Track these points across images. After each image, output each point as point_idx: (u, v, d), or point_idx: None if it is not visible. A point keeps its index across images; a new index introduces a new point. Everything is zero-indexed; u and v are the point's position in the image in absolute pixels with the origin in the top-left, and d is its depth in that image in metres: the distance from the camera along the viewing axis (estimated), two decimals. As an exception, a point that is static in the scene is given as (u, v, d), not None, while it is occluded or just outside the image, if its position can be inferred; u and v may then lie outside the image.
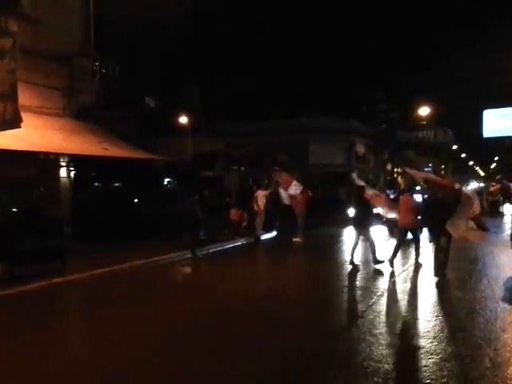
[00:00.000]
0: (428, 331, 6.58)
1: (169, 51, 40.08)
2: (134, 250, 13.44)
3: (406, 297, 8.72)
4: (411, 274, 10.78)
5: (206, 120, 37.06)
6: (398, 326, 6.98)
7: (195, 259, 13.35)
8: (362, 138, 40.38)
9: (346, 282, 9.95)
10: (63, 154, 13.87)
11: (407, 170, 13.87)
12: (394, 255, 10.93)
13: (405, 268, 11.31)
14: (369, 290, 9.07)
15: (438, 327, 6.79)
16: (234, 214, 16.53)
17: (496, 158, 70.86)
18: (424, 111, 38.21)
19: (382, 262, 11.05)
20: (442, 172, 73.60)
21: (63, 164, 14.64)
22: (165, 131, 34.58)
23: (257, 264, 13.59)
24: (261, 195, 17.70)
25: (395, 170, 43.00)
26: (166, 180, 34.00)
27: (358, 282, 9.88)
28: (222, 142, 35.86)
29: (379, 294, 8.71)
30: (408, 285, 9.80)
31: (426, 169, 62.45)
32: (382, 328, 6.78)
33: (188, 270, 12.66)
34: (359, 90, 47.36)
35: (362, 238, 11.59)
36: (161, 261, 12.66)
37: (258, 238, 17.39)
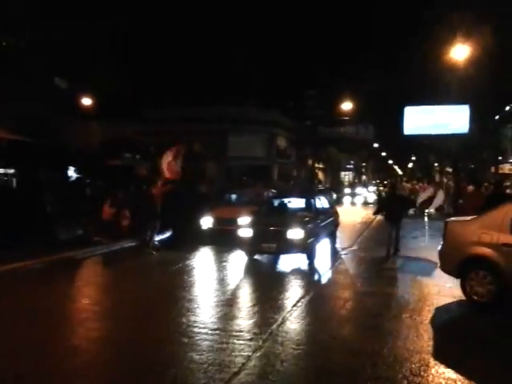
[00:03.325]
0: None
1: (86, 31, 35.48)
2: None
3: (292, 352, 5.56)
4: (309, 306, 7.72)
5: (120, 104, 32.96)
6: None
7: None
8: (284, 131, 37.72)
9: (212, 322, 6.65)
10: None
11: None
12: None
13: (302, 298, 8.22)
14: (244, 338, 5.84)
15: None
16: (106, 212, 12.76)
17: (413, 158, 71.07)
18: (347, 106, 36.08)
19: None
20: (363, 170, 73.19)
21: None
22: (74, 114, 30.13)
23: (83, 285, 8.92)
24: (156, 189, 14.06)
25: (316, 165, 40.70)
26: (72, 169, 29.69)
27: (228, 323, 6.56)
28: (133, 128, 31.88)
29: (260, 343, 5.51)
30: (305, 326, 6.68)
31: (348, 166, 61.43)
32: None
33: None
34: (286, 85, 44.72)
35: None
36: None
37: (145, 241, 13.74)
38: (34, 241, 11.41)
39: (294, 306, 7.16)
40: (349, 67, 38.68)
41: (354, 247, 13.00)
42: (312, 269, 10.04)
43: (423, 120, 30.86)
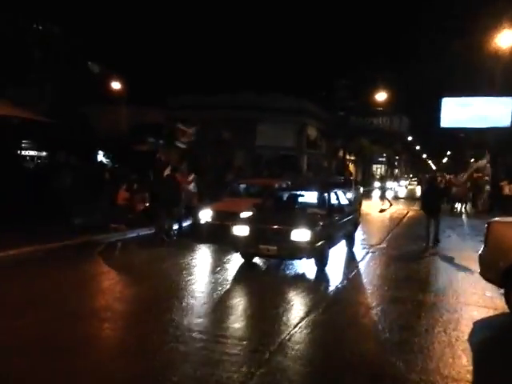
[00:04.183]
0: None
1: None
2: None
3: None
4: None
5: (147, 91, 32.58)
6: None
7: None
8: (315, 121, 36.54)
9: (214, 327, 5.86)
10: None
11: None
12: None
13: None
14: (248, 349, 4.99)
15: None
16: (121, 196, 12.07)
17: (448, 153, 68.57)
18: (381, 97, 34.57)
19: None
20: (396, 163, 71.06)
21: None
22: (104, 99, 29.90)
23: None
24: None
25: (347, 157, 39.32)
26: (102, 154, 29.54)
27: (232, 329, 5.72)
28: (161, 114, 31.45)
29: (267, 356, 4.65)
30: (319, 338, 5.80)
31: (380, 159, 59.54)
32: None
33: None
34: (318, 74, 43.44)
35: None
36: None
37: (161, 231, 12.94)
38: (47, 225, 10.92)
39: (309, 313, 6.24)
40: (385, 56, 37.15)
41: (383, 244, 11.92)
42: (325, 275, 8.46)
43: (462, 112, 29.14)
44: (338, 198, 10.15)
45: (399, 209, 23.63)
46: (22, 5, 24.59)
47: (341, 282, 8.06)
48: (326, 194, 9.72)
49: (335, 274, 8.68)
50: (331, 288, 7.71)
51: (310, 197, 10.13)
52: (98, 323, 5.73)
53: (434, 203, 11.77)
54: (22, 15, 26.43)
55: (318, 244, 8.14)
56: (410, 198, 35.31)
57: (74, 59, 30.53)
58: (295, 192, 10.15)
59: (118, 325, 5.82)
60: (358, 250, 10.93)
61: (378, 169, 61.08)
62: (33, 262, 8.72)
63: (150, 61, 33.62)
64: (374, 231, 14.89)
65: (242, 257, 9.01)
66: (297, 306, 6.68)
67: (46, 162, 21.74)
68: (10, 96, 20.45)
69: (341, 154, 38.32)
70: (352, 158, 44.36)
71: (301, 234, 8.05)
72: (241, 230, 8.56)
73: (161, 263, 9.14)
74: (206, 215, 11.99)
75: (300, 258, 8.50)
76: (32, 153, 26.36)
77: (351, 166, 42.58)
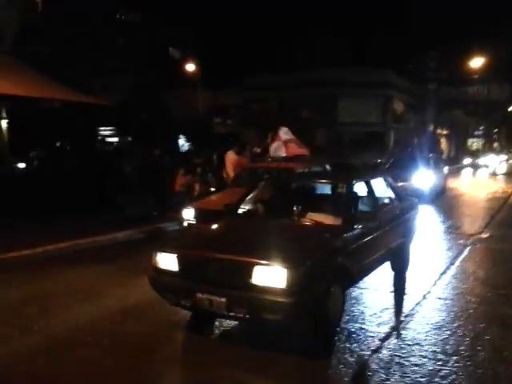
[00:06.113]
0: None
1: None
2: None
3: None
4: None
5: (224, 72, 31.72)
6: None
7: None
8: (400, 93, 33.39)
9: None
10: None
11: None
12: None
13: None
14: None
15: None
16: (179, 182, 10.78)
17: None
18: (476, 63, 30.43)
19: None
20: (494, 136, 64.32)
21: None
22: (182, 83, 29.59)
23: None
24: (231, 159, 11.60)
25: (438, 131, 35.49)
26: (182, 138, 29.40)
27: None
28: (241, 95, 30.48)
29: None
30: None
31: (476, 132, 53.90)
32: None
33: None
34: (405, 45, 39.70)
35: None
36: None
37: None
38: (97, 216, 10.02)
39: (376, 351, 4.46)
40: (480, 17, 32.80)
41: (484, 234, 9.55)
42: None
43: None
44: (371, 192, 5.47)
45: (501, 187, 20.41)
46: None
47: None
48: (345, 189, 5.29)
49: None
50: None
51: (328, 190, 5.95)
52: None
53: None
54: (106, 6, 26.49)
55: (305, 293, 3.80)
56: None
57: (154, 46, 30.44)
58: (306, 183, 5.97)
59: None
60: (451, 242, 8.75)
61: (474, 143, 55.50)
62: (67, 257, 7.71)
63: (224, 42, 32.55)
64: (471, 216, 12.45)
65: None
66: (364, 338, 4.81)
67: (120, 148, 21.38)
68: (96, 84, 20.49)
69: (431, 128, 34.72)
70: (444, 132, 40.25)
71: (270, 275, 3.78)
72: (167, 262, 4.26)
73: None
74: (187, 215, 8.22)
75: (271, 322, 3.96)
76: (113, 139, 26.57)
77: (443, 141, 38.61)
